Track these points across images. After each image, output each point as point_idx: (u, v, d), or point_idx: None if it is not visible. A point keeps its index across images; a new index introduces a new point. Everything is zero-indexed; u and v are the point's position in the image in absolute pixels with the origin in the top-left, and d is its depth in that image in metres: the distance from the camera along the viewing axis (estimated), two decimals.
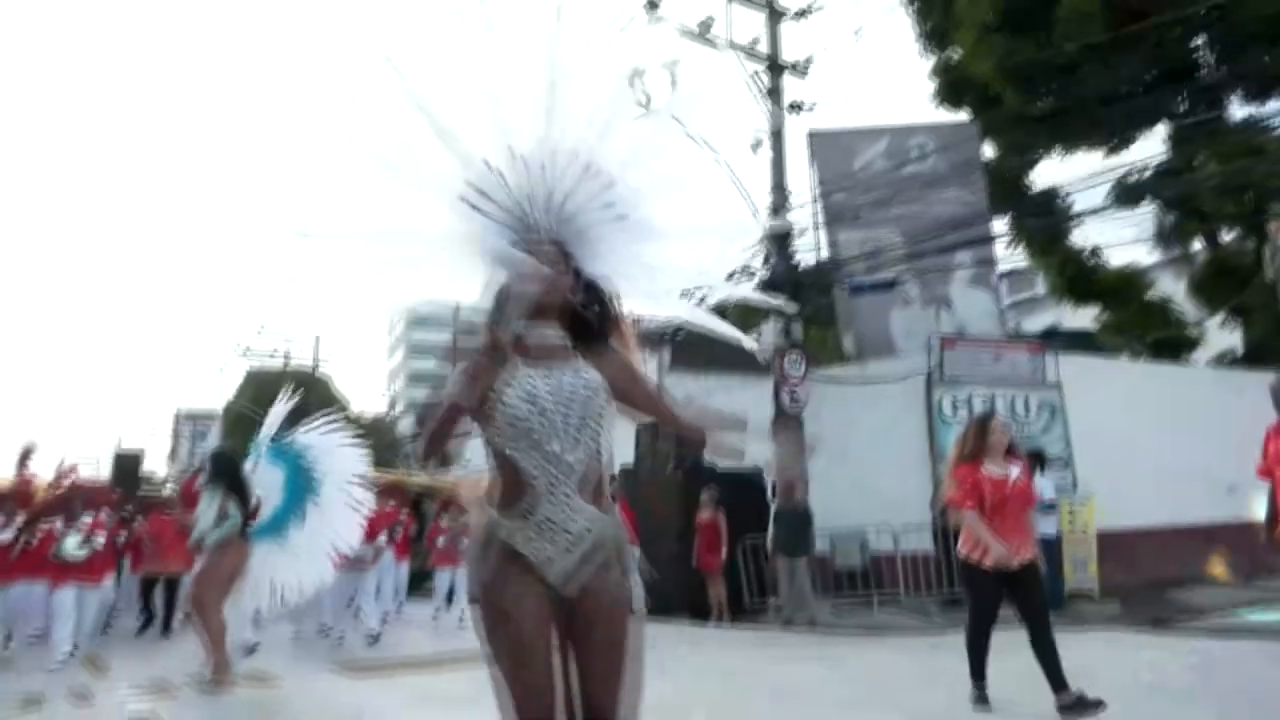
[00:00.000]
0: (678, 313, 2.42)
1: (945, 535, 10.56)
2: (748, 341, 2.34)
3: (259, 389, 22.86)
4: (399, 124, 1.95)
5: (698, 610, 10.78)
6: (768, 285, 12.57)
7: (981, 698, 5.06)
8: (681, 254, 2.22)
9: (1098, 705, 4.56)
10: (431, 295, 2.15)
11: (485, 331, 1.92)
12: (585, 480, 2.03)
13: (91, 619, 8.21)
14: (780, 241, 12.62)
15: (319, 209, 2.04)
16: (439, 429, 2.00)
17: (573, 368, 2.09)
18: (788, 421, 12.04)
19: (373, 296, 2.13)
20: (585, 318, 2.10)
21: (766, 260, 12.68)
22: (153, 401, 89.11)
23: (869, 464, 11.87)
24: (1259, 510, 5.49)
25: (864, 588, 11.35)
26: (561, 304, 2.10)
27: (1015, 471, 5.09)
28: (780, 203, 12.67)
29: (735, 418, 2.13)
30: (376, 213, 2.05)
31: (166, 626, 9.72)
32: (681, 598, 11.02)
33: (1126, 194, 13.71)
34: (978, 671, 5.08)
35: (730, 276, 9.97)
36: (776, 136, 12.56)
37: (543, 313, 2.09)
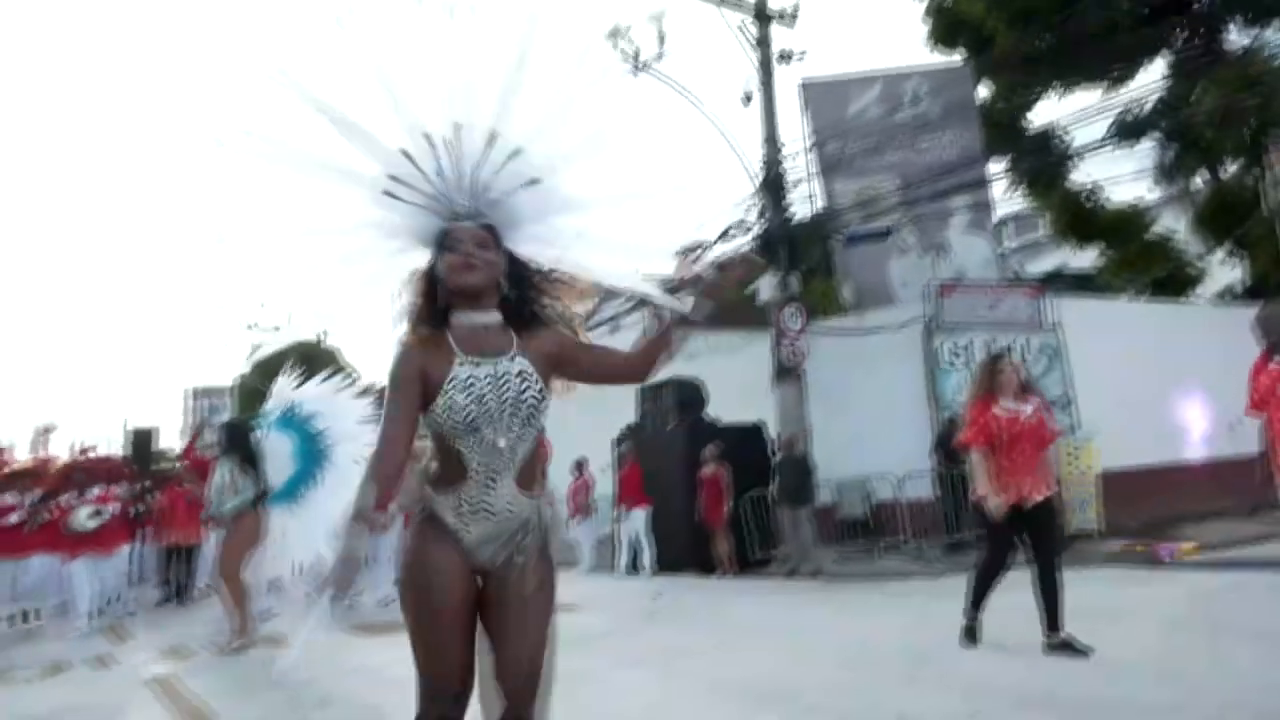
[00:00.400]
0: (614, 281, 2.44)
1: (947, 482, 10.69)
2: (677, 304, 2.32)
3: (267, 363, 23.04)
4: (307, 125, 1.96)
5: (704, 564, 10.96)
6: (762, 238, 12.56)
7: (971, 630, 5.12)
8: (609, 221, 2.21)
9: (1085, 652, 4.62)
10: (368, 287, 2.18)
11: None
12: (518, 465, 2.09)
13: (109, 588, 8.43)
14: (774, 193, 12.56)
15: (241, 213, 2.05)
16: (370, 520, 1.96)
17: (508, 355, 2.12)
18: (787, 375, 12.10)
19: (309, 295, 2.17)
20: (518, 298, 2.13)
21: (761, 214, 12.64)
22: (165, 379, 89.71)
23: (870, 414, 11.94)
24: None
25: (867, 536, 11.50)
26: (493, 285, 2.12)
27: (1028, 409, 5.02)
28: (773, 155, 12.59)
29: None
30: (303, 212, 2.07)
31: (181, 595, 9.95)
32: (688, 552, 11.20)
33: (1126, 130, 13.57)
34: (976, 603, 5.10)
35: (726, 232, 9.87)
36: (766, 88, 12.44)
37: (476, 297, 2.12)
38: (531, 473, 2.14)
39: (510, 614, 2.05)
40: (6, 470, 9.13)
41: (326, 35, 1.94)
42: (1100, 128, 13.29)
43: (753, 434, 12.03)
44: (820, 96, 13.78)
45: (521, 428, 2.10)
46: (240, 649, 6.35)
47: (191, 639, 7.21)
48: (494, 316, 2.16)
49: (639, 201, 2.21)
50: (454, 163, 2.04)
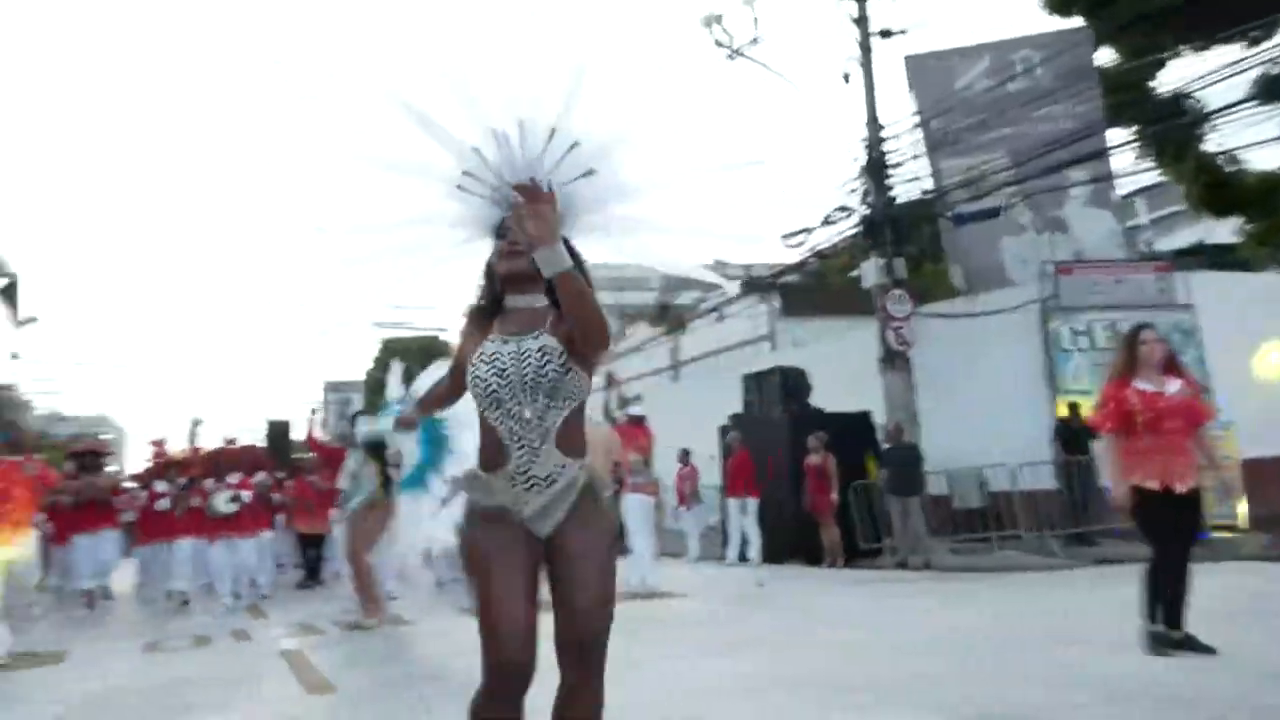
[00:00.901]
0: (672, 268, 2.52)
1: (1069, 471, 10.24)
2: (730, 287, 2.39)
3: (392, 357, 24.13)
4: (392, 124, 2.13)
5: (811, 554, 10.86)
6: (865, 221, 12.31)
7: (1158, 637, 4.47)
8: (667, 208, 2.29)
9: (1208, 650, 4.34)
10: (435, 271, 2.35)
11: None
12: (550, 431, 2.18)
13: (247, 569, 9.06)
14: (876, 175, 12.29)
15: (333, 206, 2.29)
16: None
17: (534, 334, 2.22)
18: (894, 361, 11.85)
19: (390, 279, 2.36)
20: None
21: (864, 197, 12.40)
22: (305, 374, 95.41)
23: (983, 400, 11.55)
24: None
25: (983, 528, 11.15)
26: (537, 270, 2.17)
27: (1173, 387, 4.61)
28: (874, 135, 12.31)
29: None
30: (388, 204, 2.27)
31: (313, 578, 10.62)
32: (795, 542, 11.12)
33: (1268, 89, 12.54)
34: (1151, 608, 4.50)
35: (826, 219, 9.73)
36: (866, 67, 12.17)
37: (520, 281, 2.25)
38: (573, 441, 2.22)
39: (570, 578, 2.13)
40: (161, 460, 10.02)
41: (402, 37, 2.13)
42: (1239, 88, 12.27)
43: (859, 422, 11.82)
44: (925, 71, 13.37)
45: (547, 400, 2.19)
46: (367, 628, 6.76)
47: (320, 617, 7.73)
48: (538, 300, 2.26)
49: (694, 187, 2.28)
50: (517, 157, 2.15)
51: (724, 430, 13.01)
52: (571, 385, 2.20)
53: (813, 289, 21.87)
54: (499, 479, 2.18)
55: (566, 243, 2.13)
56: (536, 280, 2.16)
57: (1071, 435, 10.36)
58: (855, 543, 10.93)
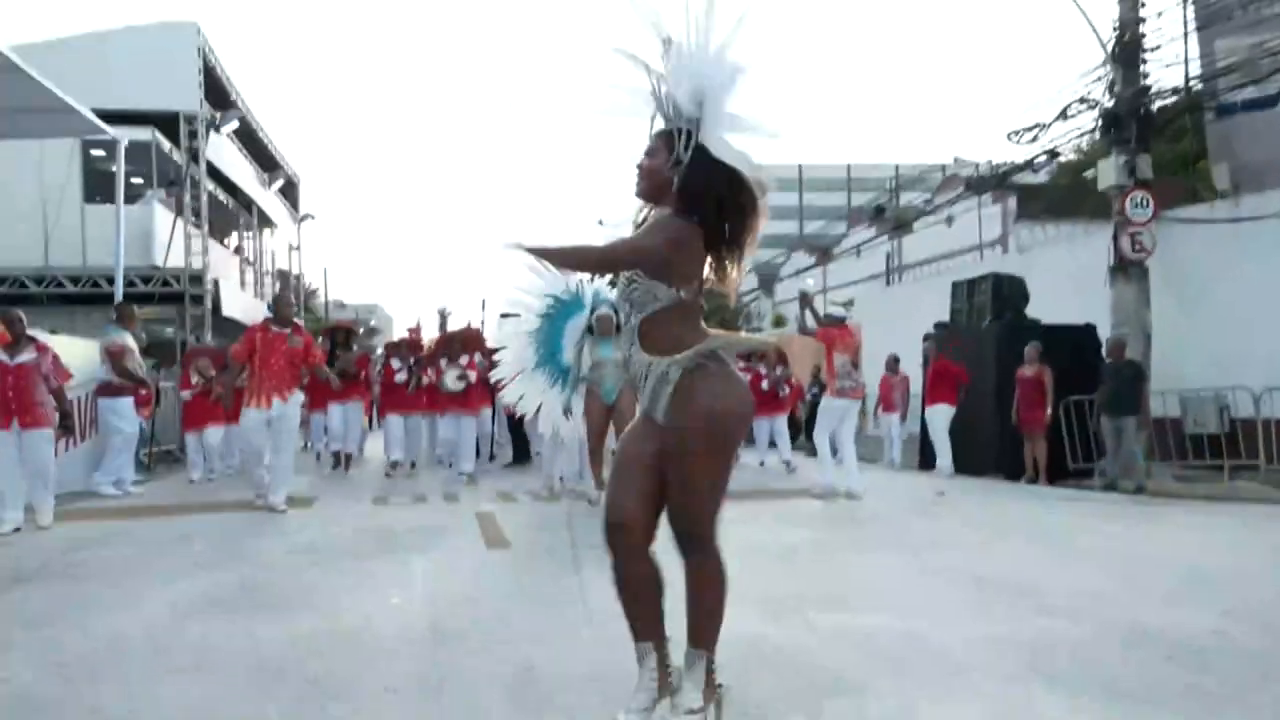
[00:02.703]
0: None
1: None
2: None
3: None
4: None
5: (1012, 470, 10.41)
6: (1110, 115, 11.06)
7: None
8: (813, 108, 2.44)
9: None
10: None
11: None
12: (634, 334, 2.50)
13: (469, 442, 9.78)
14: (1129, 61, 10.92)
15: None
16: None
17: None
18: (1128, 270, 10.77)
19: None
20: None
21: (1110, 87, 11.10)
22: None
23: (1230, 317, 10.28)
24: None
25: (1217, 455, 10.10)
26: (657, 187, 2.51)
27: None
28: (1129, 14, 10.88)
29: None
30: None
31: (523, 459, 11.46)
32: (994, 457, 10.70)
33: None
34: None
35: (1064, 112, 9.09)
36: None
37: (646, 197, 2.56)
38: (657, 342, 2.45)
39: (667, 476, 2.41)
40: (414, 339, 11.11)
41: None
42: None
43: (1081, 336, 10.95)
44: None
45: (629, 307, 2.50)
46: (592, 501, 7.07)
47: (520, 488, 8.67)
48: (662, 212, 2.50)
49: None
50: (679, 66, 2.40)
51: (925, 339, 12.55)
52: (637, 294, 2.46)
53: (1055, 190, 19.99)
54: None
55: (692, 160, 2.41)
56: (662, 193, 2.49)
57: None
58: (1064, 462, 10.34)
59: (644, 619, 2.45)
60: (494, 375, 8.12)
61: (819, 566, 5.05)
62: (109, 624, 3.66)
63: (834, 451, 8.33)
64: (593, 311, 7.56)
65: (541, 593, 4.26)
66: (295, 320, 7.22)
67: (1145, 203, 10.66)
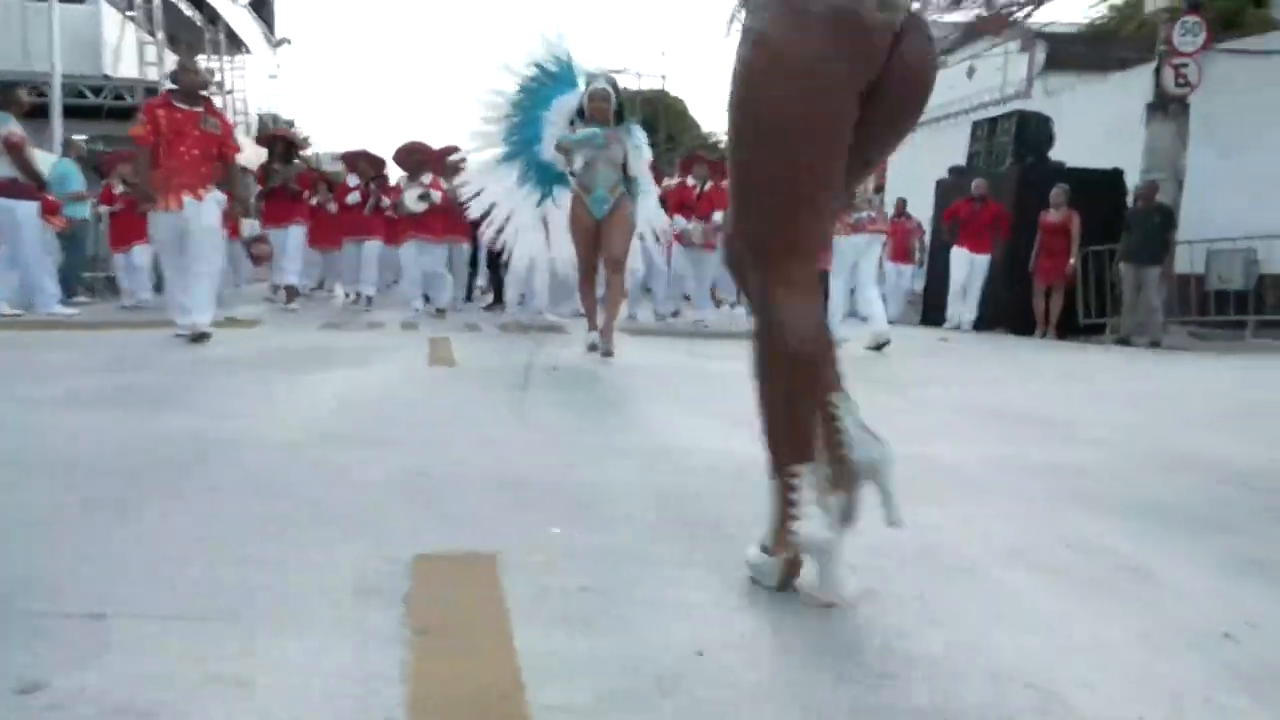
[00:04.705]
0: None
1: None
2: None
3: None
4: None
5: (1023, 325, 9.67)
6: None
7: None
8: None
9: None
10: None
11: None
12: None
13: (438, 273, 8.49)
14: None
15: None
16: None
17: None
18: (1168, 107, 9.73)
19: None
20: None
21: None
22: None
23: (1273, 161, 9.34)
24: None
25: (1241, 311, 9.41)
26: None
27: None
28: None
29: None
30: None
31: (501, 300, 10.29)
32: (1005, 310, 9.92)
33: None
34: None
35: None
36: None
37: None
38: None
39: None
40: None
41: None
42: None
43: (1107, 181, 10.04)
44: None
45: None
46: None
47: (487, 321, 7.99)
48: None
49: None
50: None
51: (938, 186, 11.62)
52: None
53: (1090, 40, 18.42)
54: None
55: None
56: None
57: None
58: (1074, 318, 9.65)
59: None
60: (463, 188, 6.77)
61: None
62: None
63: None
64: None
65: (468, 405, 3.63)
66: (206, 96, 5.85)
67: (1196, 29, 9.51)
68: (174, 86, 5.65)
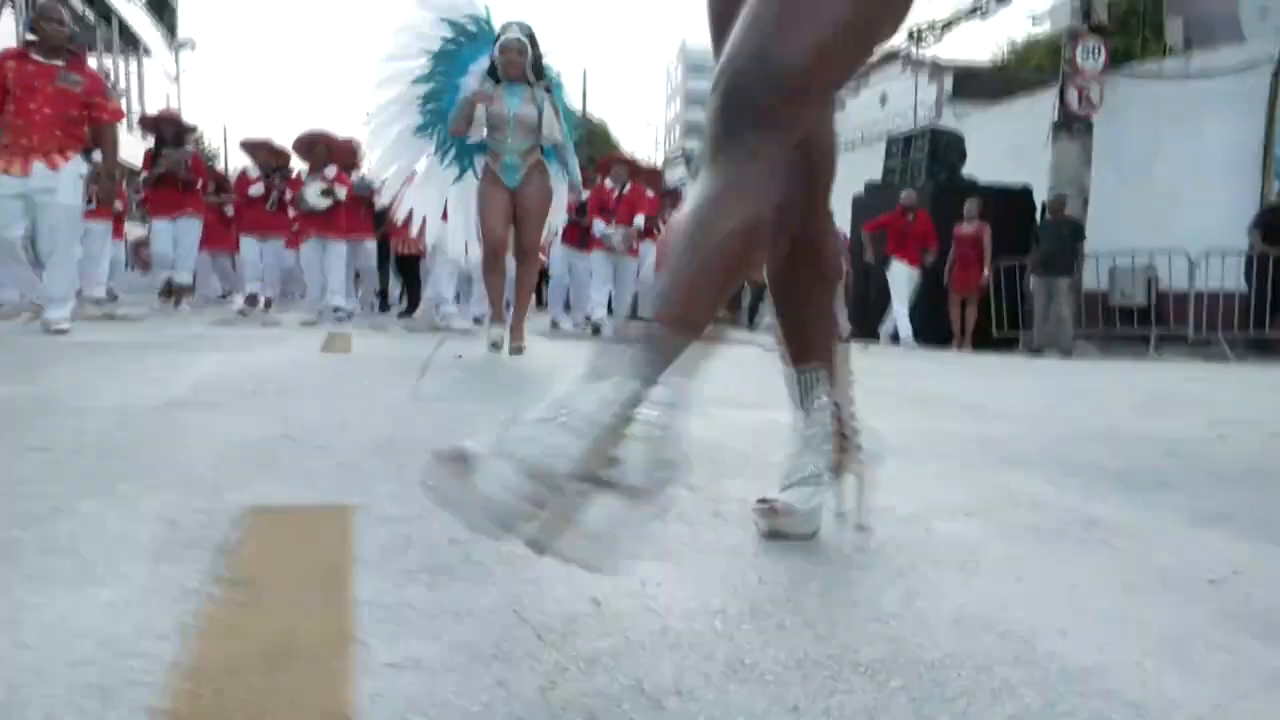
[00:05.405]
0: None
1: (1261, 266, 8.52)
2: None
3: None
4: None
5: (941, 337, 9.73)
6: None
7: None
8: None
9: None
10: None
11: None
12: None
13: (338, 272, 7.71)
14: None
15: None
16: None
17: None
18: (1071, 126, 10.03)
19: None
20: None
21: None
22: None
23: (1175, 181, 9.71)
24: None
25: (1144, 325, 9.68)
26: None
27: None
28: None
29: None
30: None
31: (412, 308, 9.41)
32: (921, 322, 9.97)
33: None
34: None
35: None
36: None
37: None
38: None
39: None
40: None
41: None
42: None
43: (1017, 198, 10.26)
44: None
45: None
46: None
47: (394, 324, 7.57)
48: None
49: None
50: None
51: (855, 202, 11.72)
52: None
53: (992, 72, 19.15)
54: None
55: None
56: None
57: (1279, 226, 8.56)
58: (988, 330, 9.77)
59: None
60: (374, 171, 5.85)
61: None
62: None
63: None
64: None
65: (356, 379, 3.30)
66: (72, 48, 4.97)
67: (1097, 52, 9.85)
68: (33, 37, 4.94)
